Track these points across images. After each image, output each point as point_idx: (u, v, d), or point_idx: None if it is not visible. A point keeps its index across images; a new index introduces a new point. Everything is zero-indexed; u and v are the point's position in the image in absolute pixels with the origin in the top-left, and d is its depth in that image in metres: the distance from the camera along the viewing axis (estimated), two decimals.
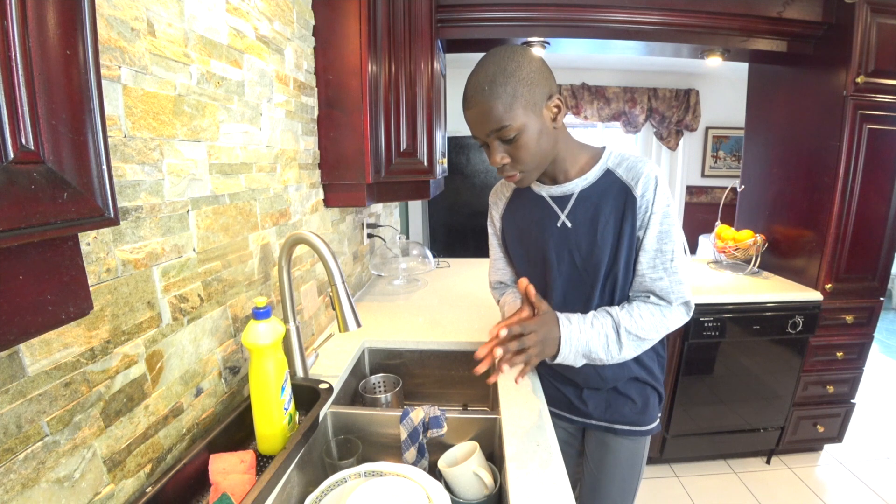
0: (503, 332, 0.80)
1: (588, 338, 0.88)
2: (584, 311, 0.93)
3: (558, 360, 0.88)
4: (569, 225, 0.95)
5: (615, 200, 0.90)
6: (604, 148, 0.95)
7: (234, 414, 0.86)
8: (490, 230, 1.15)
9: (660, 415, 1.09)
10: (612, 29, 1.80)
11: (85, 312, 0.40)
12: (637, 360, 1.00)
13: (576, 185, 0.93)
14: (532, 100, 0.81)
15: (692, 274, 2.18)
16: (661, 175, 0.89)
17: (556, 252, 0.97)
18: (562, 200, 0.95)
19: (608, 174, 0.91)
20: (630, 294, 0.95)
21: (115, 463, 0.63)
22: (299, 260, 1.28)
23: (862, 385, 2.07)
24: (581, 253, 0.94)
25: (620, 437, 1.07)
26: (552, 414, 1.09)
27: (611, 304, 0.95)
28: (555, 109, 0.84)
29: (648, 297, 0.92)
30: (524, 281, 0.85)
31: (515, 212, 1.05)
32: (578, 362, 0.90)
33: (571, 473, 1.16)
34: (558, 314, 0.90)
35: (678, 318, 0.93)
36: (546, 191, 0.97)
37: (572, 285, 0.98)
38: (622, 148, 0.96)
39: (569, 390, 1.09)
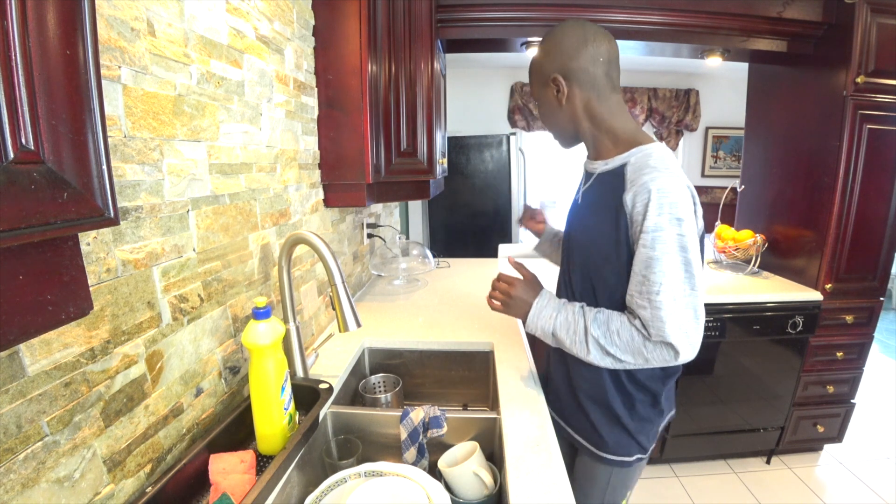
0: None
1: (556, 324, 0.92)
2: (573, 286, 0.98)
3: (527, 329, 0.98)
4: (580, 201, 0.99)
5: (612, 197, 0.85)
6: (651, 143, 0.87)
7: (234, 414, 0.86)
8: None
9: (632, 456, 0.97)
10: (612, 29, 1.79)
11: (85, 312, 0.40)
12: (623, 392, 0.93)
13: (598, 166, 0.93)
14: (541, 75, 0.92)
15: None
16: (665, 191, 0.77)
17: (568, 222, 1.03)
18: (587, 176, 0.98)
19: (623, 168, 0.86)
20: (627, 301, 0.87)
21: (115, 463, 0.63)
22: (299, 260, 1.28)
23: (862, 385, 2.07)
24: (576, 231, 0.98)
25: (581, 451, 1.03)
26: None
27: (595, 295, 0.92)
28: (553, 90, 0.91)
29: (636, 318, 0.84)
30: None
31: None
32: (549, 340, 0.95)
33: None
34: (545, 289, 0.99)
35: (659, 357, 0.82)
36: (584, 162, 1.01)
37: (569, 258, 1.01)
38: (666, 153, 0.84)
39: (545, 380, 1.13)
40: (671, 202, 0.77)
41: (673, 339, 0.79)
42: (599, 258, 0.89)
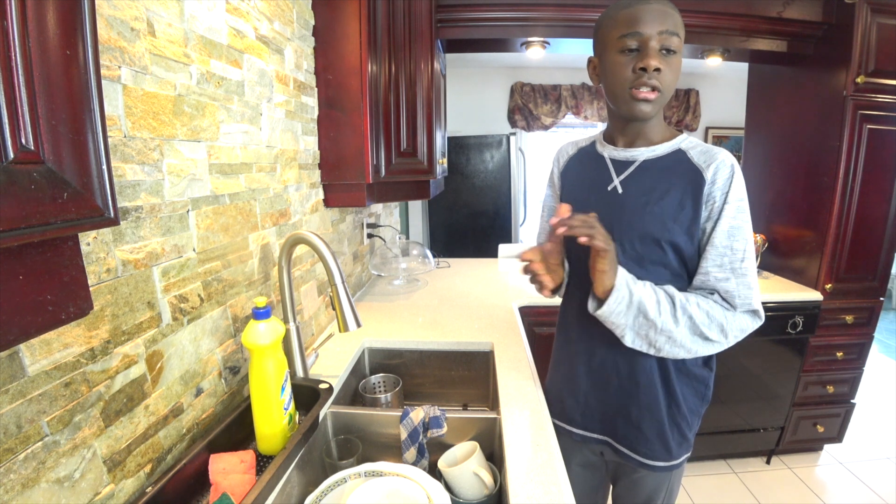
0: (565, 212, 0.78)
1: (641, 295, 0.81)
2: None
3: (607, 307, 0.81)
4: (619, 191, 0.90)
5: (680, 179, 0.84)
6: (681, 131, 0.90)
7: (234, 414, 0.86)
8: (548, 192, 1.11)
9: (682, 458, 0.99)
10: None
11: (85, 312, 0.40)
12: (674, 390, 0.92)
13: (640, 153, 0.89)
14: (682, 37, 0.83)
15: None
16: (738, 166, 0.83)
17: (601, 217, 0.88)
18: (621, 165, 0.91)
19: (678, 153, 0.86)
20: (698, 283, 0.86)
21: (115, 463, 0.63)
22: (299, 260, 1.28)
23: (862, 385, 2.07)
24: (622, 223, 0.88)
25: (633, 465, 0.99)
26: (568, 433, 1.04)
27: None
28: (681, 59, 0.86)
29: (712, 294, 0.84)
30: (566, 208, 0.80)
31: (573, 169, 1.02)
32: (629, 319, 0.82)
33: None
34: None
35: (742, 324, 0.83)
36: (608, 152, 0.93)
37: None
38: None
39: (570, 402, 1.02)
40: (741, 174, 0.83)
41: (757, 304, 0.83)
42: (670, 246, 0.85)
